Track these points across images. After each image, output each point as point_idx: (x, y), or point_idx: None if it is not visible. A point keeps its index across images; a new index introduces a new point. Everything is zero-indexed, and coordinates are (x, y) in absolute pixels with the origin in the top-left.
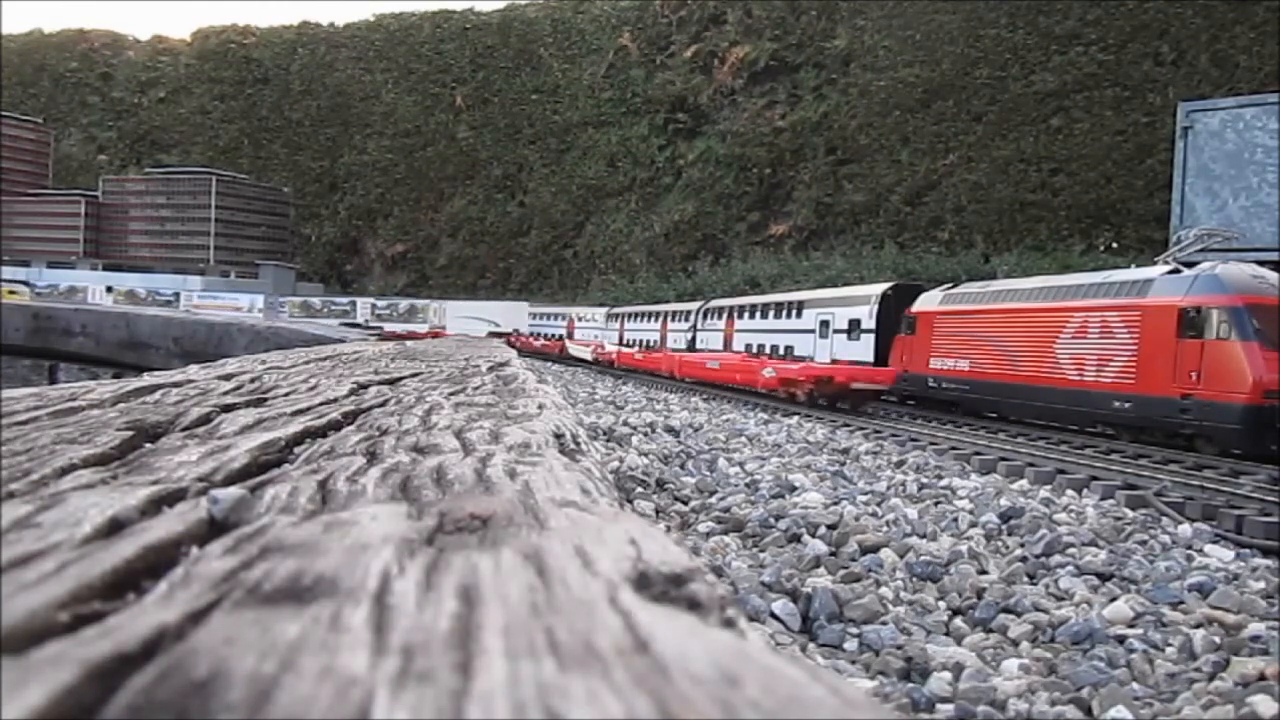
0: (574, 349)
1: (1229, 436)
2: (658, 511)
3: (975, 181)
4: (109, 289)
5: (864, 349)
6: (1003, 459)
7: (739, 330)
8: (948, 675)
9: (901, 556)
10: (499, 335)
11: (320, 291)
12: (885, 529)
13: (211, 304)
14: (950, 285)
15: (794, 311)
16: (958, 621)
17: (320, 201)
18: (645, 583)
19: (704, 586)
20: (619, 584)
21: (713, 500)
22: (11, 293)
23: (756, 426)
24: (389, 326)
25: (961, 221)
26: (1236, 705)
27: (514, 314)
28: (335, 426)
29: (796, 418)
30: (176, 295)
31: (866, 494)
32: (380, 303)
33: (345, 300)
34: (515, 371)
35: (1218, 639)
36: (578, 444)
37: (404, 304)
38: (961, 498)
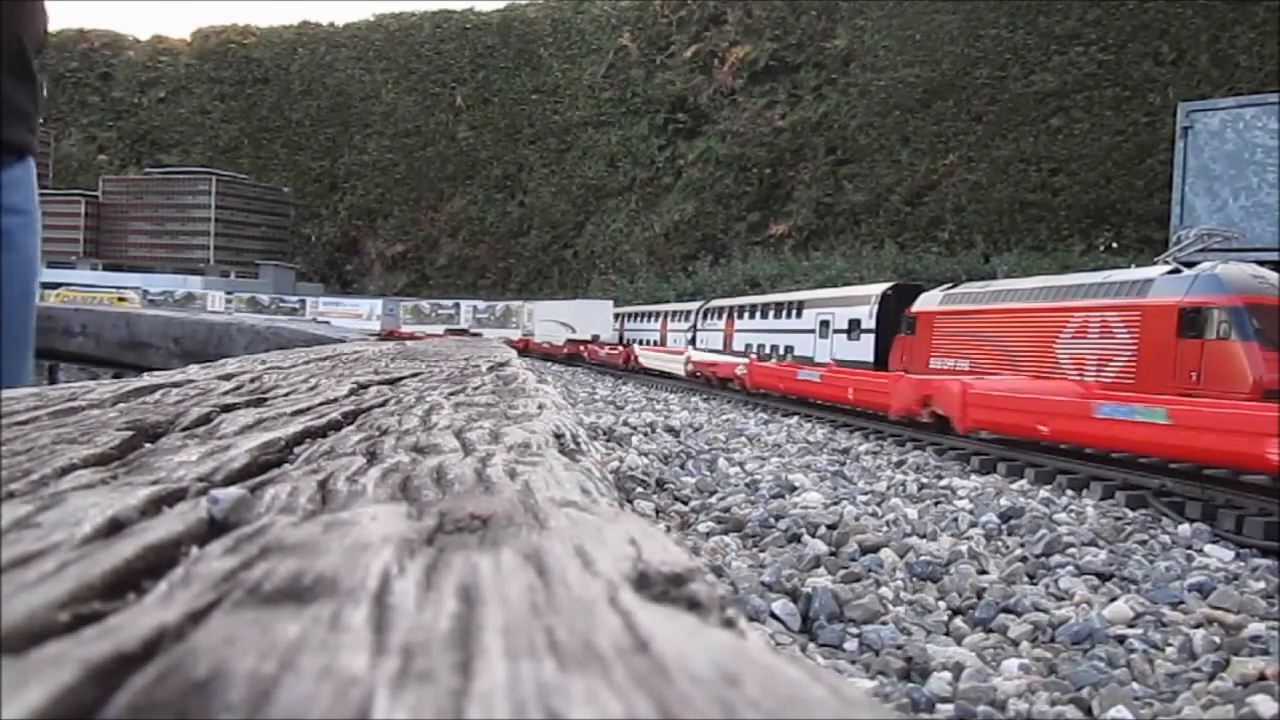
0: (654, 359)
1: None
2: (658, 511)
3: (975, 181)
4: (229, 298)
5: (864, 349)
6: (1003, 459)
7: (739, 330)
8: (948, 675)
9: (901, 556)
10: (576, 343)
11: (320, 291)
12: (885, 529)
13: (336, 311)
14: (950, 285)
15: (794, 311)
16: (958, 621)
17: (320, 201)
18: (645, 583)
19: (704, 586)
20: (619, 584)
21: (713, 500)
22: (120, 299)
23: (756, 426)
24: (487, 333)
25: (961, 221)
26: (1236, 705)
27: (593, 314)
28: (335, 426)
29: (796, 418)
30: (302, 302)
31: (866, 494)
32: (481, 305)
33: (450, 303)
34: (515, 371)
35: (1218, 639)
36: (578, 444)
37: (500, 306)
38: (961, 498)
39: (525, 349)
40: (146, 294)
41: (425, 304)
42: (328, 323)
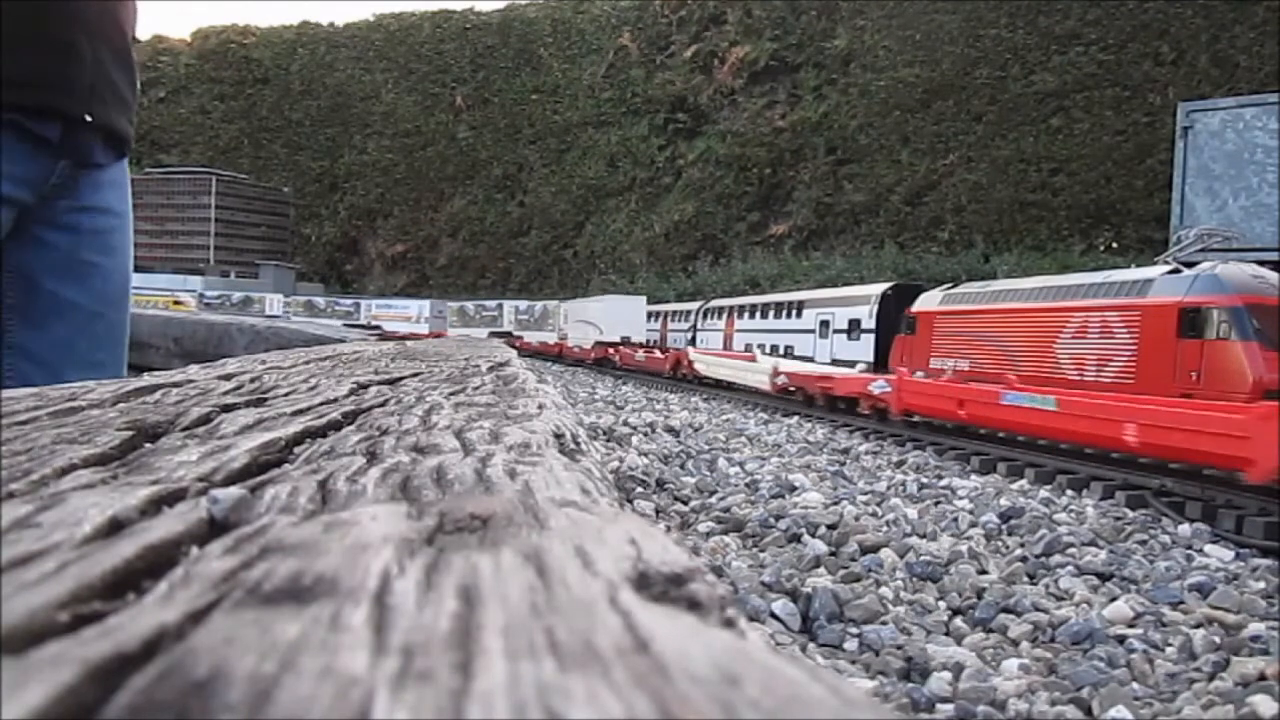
0: (721, 367)
1: None
2: (658, 511)
3: (975, 181)
4: (287, 301)
5: (864, 349)
6: (1003, 459)
7: (739, 330)
8: (948, 675)
9: (901, 556)
10: (604, 345)
11: (320, 291)
12: (885, 529)
13: (388, 314)
14: (950, 285)
15: (794, 311)
16: (958, 621)
17: (320, 201)
18: (645, 583)
19: (704, 586)
20: (619, 584)
21: (713, 500)
22: (176, 303)
23: (756, 426)
24: (527, 336)
25: (961, 221)
26: (1236, 705)
27: (621, 312)
28: (335, 426)
29: (796, 418)
30: (356, 305)
31: (866, 494)
32: (522, 306)
33: (494, 304)
34: (515, 371)
35: (1218, 639)
36: (578, 444)
37: (539, 307)
38: (961, 498)
39: (560, 354)
40: (203, 297)
41: (470, 305)
42: (379, 327)
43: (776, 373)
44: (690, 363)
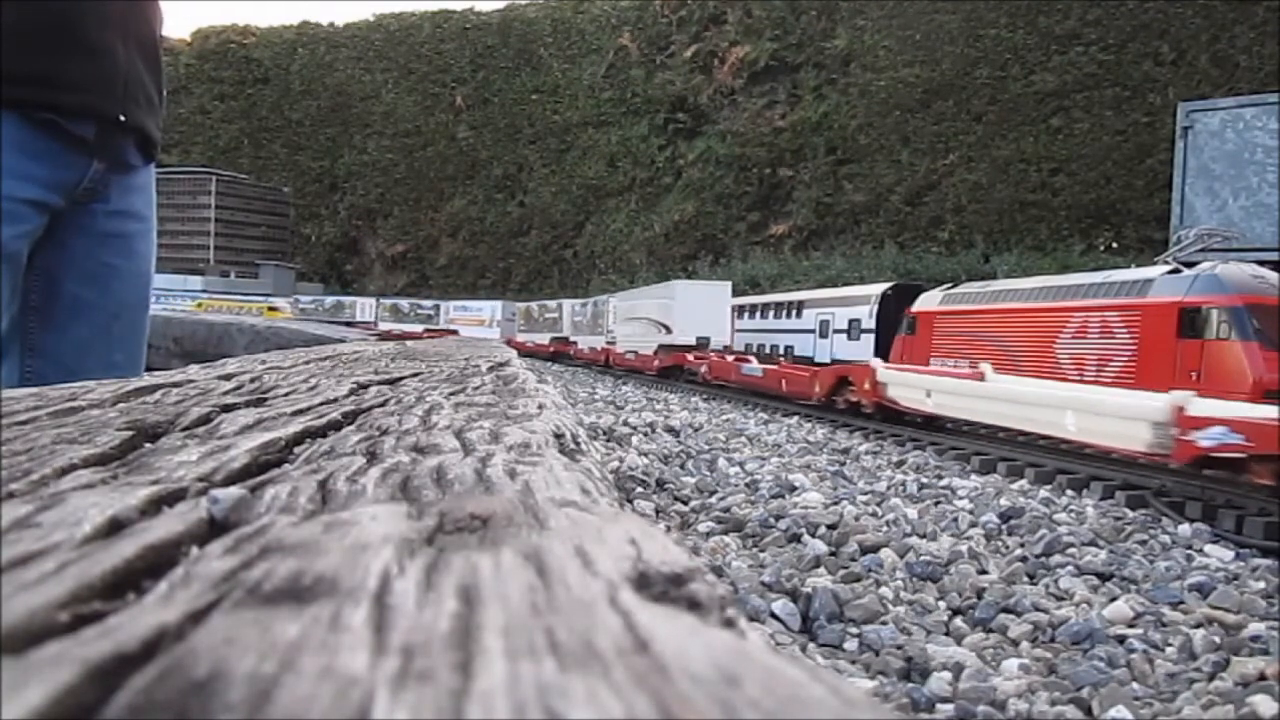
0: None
1: None
2: (658, 511)
3: (975, 181)
4: (378, 302)
5: (864, 349)
6: (1003, 459)
7: (739, 330)
8: (948, 675)
9: (901, 556)
10: (676, 350)
11: (320, 291)
12: (885, 529)
13: (464, 318)
14: (950, 285)
15: (794, 311)
16: (958, 621)
17: (320, 201)
18: (645, 583)
19: (704, 586)
20: (619, 584)
21: (713, 500)
22: (272, 309)
23: (756, 426)
24: (581, 343)
25: (961, 221)
26: (1236, 705)
27: (698, 303)
28: (335, 426)
29: (796, 418)
30: (436, 308)
31: (866, 494)
32: (579, 305)
33: (554, 305)
34: (515, 371)
35: (1218, 639)
36: (578, 444)
37: (590, 305)
38: (961, 498)
39: (608, 362)
40: (298, 301)
41: (535, 306)
42: (456, 331)
43: (1189, 420)
44: (875, 386)
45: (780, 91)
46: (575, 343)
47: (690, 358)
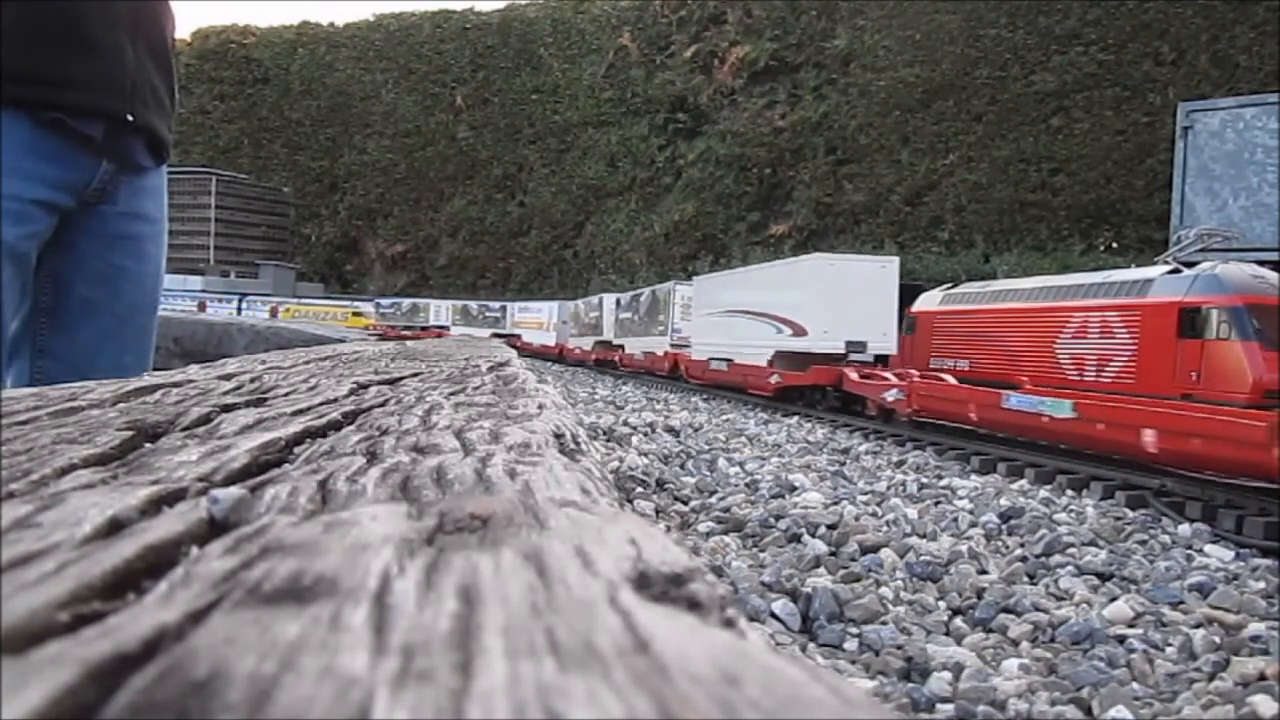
0: None
1: None
2: (658, 511)
3: (975, 181)
4: (450, 305)
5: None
6: (1003, 459)
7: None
8: (948, 675)
9: (901, 556)
10: (812, 362)
11: (320, 291)
12: (885, 529)
13: (527, 320)
14: (950, 285)
15: None
16: (958, 621)
17: (320, 201)
18: (645, 583)
19: (704, 586)
20: (619, 584)
21: (713, 500)
22: (357, 315)
23: (756, 426)
24: (629, 347)
25: (961, 221)
26: (1237, 705)
27: (851, 294)
28: (335, 426)
29: (796, 418)
30: (503, 310)
31: (866, 494)
32: (624, 299)
33: (595, 301)
34: (515, 371)
35: (1218, 639)
36: (578, 444)
37: (645, 297)
38: (961, 498)
39: (675, 373)
40: (379, 305)
41: (581, 305)
42: (518, 335)
43: None
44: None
45: (780, 91)
46: (622, 347)
47: (854, 376)
